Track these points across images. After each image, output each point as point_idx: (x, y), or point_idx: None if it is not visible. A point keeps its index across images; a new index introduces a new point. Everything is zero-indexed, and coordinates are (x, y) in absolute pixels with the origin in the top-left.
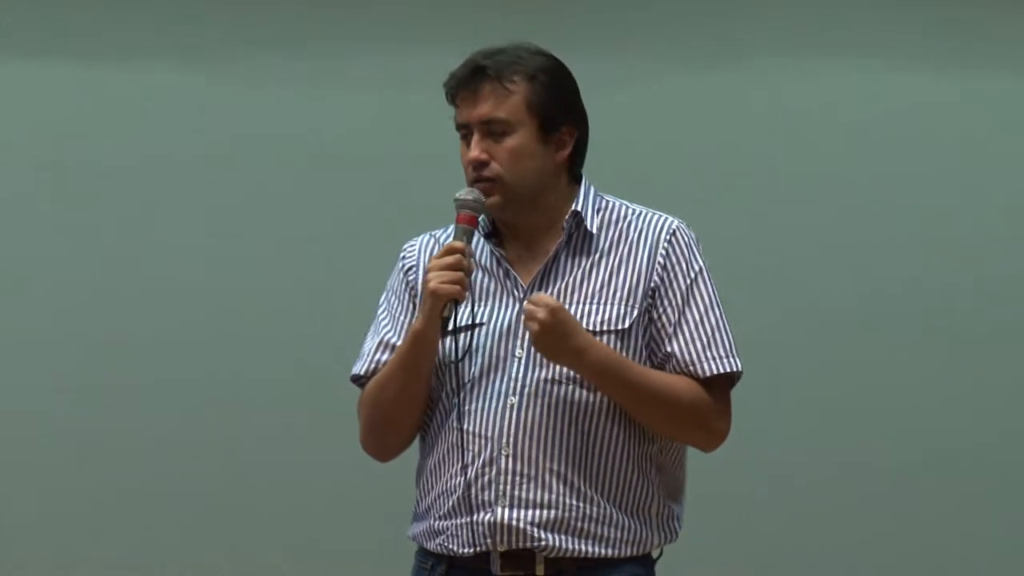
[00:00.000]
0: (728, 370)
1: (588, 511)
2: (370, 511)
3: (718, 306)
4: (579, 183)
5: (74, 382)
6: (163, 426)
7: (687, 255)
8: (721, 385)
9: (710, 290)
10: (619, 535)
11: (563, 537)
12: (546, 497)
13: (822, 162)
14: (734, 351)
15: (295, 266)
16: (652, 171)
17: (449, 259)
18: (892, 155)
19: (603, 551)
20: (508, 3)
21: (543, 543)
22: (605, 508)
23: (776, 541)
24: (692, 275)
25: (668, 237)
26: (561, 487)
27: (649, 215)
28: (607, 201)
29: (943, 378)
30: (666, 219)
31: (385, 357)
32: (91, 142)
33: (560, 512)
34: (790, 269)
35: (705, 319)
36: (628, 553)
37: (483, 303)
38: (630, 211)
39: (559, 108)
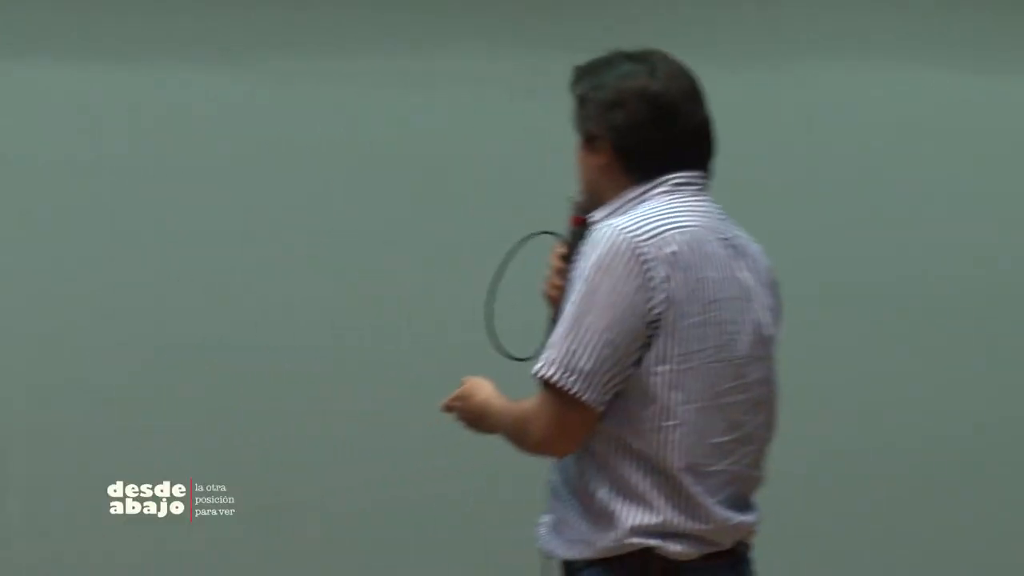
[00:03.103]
0: (536, 372)
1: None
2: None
3: (575, 313)
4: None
5: (74, 382)
6: (165, 426)
7: (581, 261)
8: (543, 388)
9: (577, 295)
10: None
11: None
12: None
13: (846, 162)
14: (554, 358)
15: (300, 267)
16: None
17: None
18: (917, 155)
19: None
20: (513, 4)
21: (539, 543)
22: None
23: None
24: (573, 280)
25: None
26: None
27: None
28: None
29: (949, 376)
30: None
31: None
32: (94, 143)
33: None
34: (803, 267)
35: (560, 324)
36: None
37: None
38: None
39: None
